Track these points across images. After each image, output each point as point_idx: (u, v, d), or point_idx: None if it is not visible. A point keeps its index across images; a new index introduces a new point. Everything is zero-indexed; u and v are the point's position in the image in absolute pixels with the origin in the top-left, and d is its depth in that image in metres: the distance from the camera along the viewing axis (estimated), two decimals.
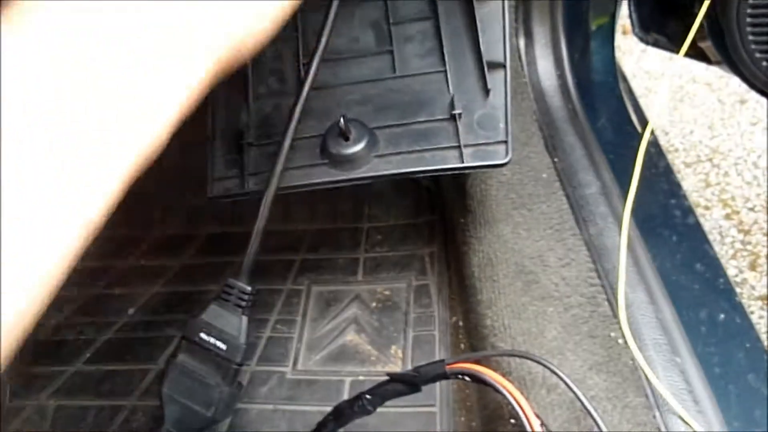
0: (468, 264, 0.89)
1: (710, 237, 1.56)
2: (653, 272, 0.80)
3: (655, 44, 1.19)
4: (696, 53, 1.04)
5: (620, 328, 0.70)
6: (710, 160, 1.70)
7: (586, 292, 0.77)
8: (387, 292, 1.06)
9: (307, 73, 0.77)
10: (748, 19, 0.88)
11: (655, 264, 0.84)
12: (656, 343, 0.73)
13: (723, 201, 1.61)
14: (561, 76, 1.03)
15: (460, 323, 0.98)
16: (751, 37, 0.89)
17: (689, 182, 1.66)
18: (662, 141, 1.75)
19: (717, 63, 1.01)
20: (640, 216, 0.89)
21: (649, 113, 0.95)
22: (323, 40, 0.77)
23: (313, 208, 1.21)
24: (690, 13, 0.98)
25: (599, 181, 0.90)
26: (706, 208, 1.60)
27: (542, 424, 0.60)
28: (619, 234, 0.80)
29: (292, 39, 0.88)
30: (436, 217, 1.14)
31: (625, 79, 1.17)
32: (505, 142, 0.77)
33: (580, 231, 0.84)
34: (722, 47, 0.94)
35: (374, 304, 1.05)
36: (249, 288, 0.78)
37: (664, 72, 1.87)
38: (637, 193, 0.93)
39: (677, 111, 1.83)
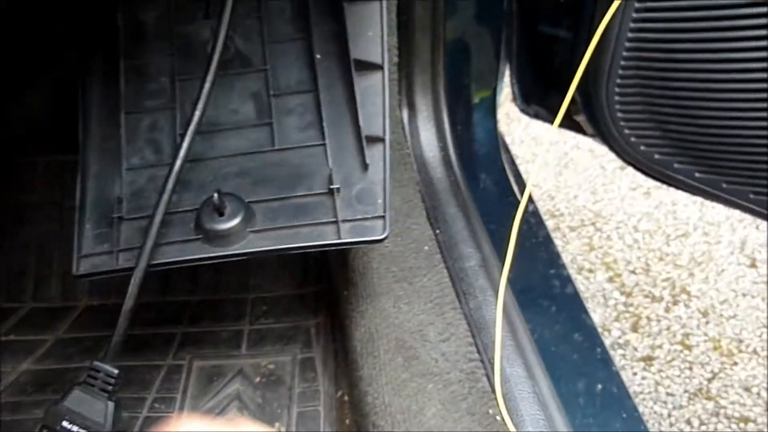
0: (350, 338, 0.88)
1: (594, 300, 1.61)
2: (531, 345, 0.81)
3: (536, 116, 1.23)
4: (573, 126, 1.08)
5: (497, 405, 0.70)
6: (593, 224, 1.77)
7: (465, 367, 0.77)
8: (271, 366, 1.03)
9: (180, 144, 0.75)
10: (617, 97, 0.91)
11: (534, 336, 0.85)
12: (534, 418, 0.73)
13: (606, 264, 1.66)
14: (443, 148, 1.04)
15: (346, 398, 0.96)
16: (619, 114, 0.92)
17: (574, 246, 1.71)
18: (548, 206, 1.81)
19: (592, 136, 1.05)
20: (519, 287, 0.90)
21: (528, 184, 0.97)
22: (198, 111, 0.76)
23: (195, 278, 1.17)
24: (568, 88, 1.02)
25: (479, 253, 0.91)
26: (590, 271, 1.65)
27: None
28: (496, 310, 0.80)
29: (169, 109, 0.87)
30: (323, 288, 1.12)
31: (507, 150, 1.20)
32: (383, 217, 0.77)
33: (460, 304, 0.84)
34: (594, 121, 0.98)
35: (258, 379, 1.01)
36: (116, 371, 0.75)
37: (549, 139, 1.94)
38: (516, 263, 0.95)
39: (562, 176, 1.89)
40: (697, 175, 0.90)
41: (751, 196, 0.86)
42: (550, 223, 1.78)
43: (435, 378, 0.76)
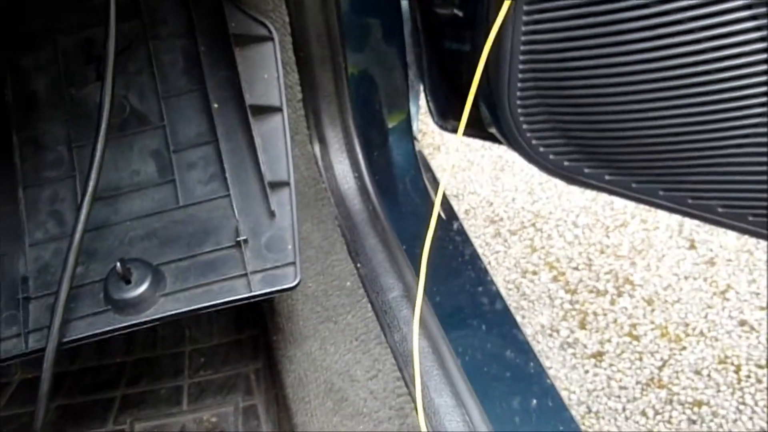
0: (282, 385, 0.87)
1: (540, 301, 1.61)
2: (459, 371, 0.80)
3: (454, 131, 1.23)
4: (490, 137, 1.08)
5: None
6: (533, 224, 1.77)
7: (394, 404, 0.76)
8: (214, 419, 1.02)
9: (77, 217, 0.74)
10: (519, 109, 0.92)
11: (466, 358, 0.85)
12: None
13: (549, 264, 1.67)
14: (359, 178, 1.04)
15: None
16: (525, 126, 0.93)
17: (516, 249, 1.72)
18: (487, 212, 1.82)
19: (508, 146, 1.05)
20: (447, 309, 0.90)
21: (436, 202, 0.96)
22: (92, 181, 0.74)
23: (131, 336, 1.15)
24: (477, 100, 1.02)
25: (401, 283, 0.90)
26: (534, 273, 1.65)
27: None
28: (418, 341, 0.80)
29: (69, 178, 0.85)
30: (260, 331, 1.10)
31: (429, 168, 1.20)
32: (294, 263, 0.76)
33: (385, 338, 0.84)
34: (503, 133, 0.98)
35: None
36: None
37: (455, 148, 1.96)
38: (443, 285, 0.95)
39: (499, 180, 1.90)
40: (607, 177, 0.90)
41: (661, 192, 0.87)
42: (490, 229, 1.78)
43: (365, 418, 0.76)
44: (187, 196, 0.83)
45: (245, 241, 0.78)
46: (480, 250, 1.73)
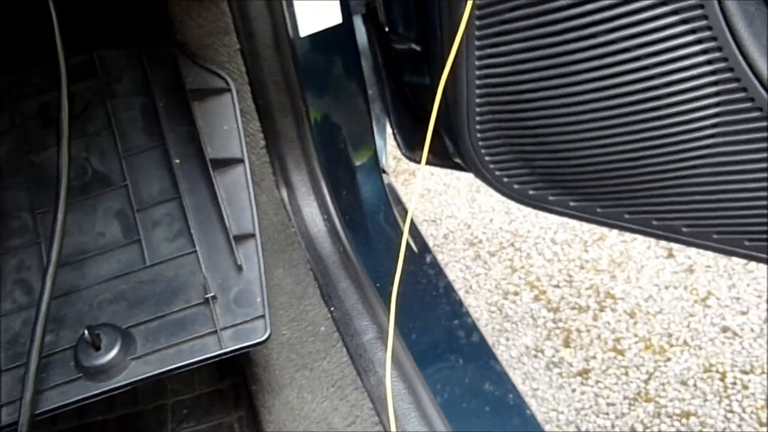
0: None
1: (523, 322, 1.61)
2: (437, 411, 0.80)
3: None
4: (458, 166, 1.09)
5: None
6: (512, 244, 1.78)
7: None
8: None
9: (43, 286, 0.74)
10: (480, 142, 0.93)
11: (444, 395, 0.84)
12: None
13: (530, 283, 1.67)
14: (328, 219, 1.04)
15: None
16: (487, 158, 0.93)
17: (496, 270, 1.72)
18: (466, 234, 1.82)
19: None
20: (422, 346, 0.90)
21: (405, 232, 0.96)
22: (54, 251, 0.74)
23: None
24: (440, 132, 1.03)
25: (375, 324, 0.90)
26: (516, 294, 1.66)
27: None
28: (391, 388, 0.80)
29: (34, 245, 0.85)
30: (240, 379, 1.10)
31: (399, 202, 1.20)
32: (263, 316, 0.76)
33: (362, 382, 0.84)
34: (467, 164, 0.99)
35: None
36: None
37: (422, 177, 1.97)
38: (418, 320, 0.95)
39: (476, 202, 1.91)
40: (571, 204, 0.91)
41: (626, 216, 0.88)
42: (470, 252, 1.78)
43: None
44: (153, 255, 0.82)
45: (214, 297, 0.78)
46: (461, 274, 1.75)
